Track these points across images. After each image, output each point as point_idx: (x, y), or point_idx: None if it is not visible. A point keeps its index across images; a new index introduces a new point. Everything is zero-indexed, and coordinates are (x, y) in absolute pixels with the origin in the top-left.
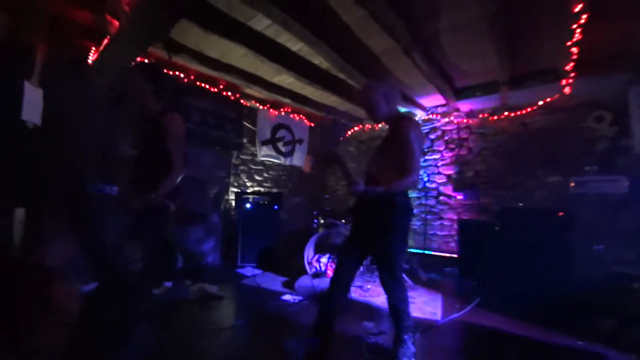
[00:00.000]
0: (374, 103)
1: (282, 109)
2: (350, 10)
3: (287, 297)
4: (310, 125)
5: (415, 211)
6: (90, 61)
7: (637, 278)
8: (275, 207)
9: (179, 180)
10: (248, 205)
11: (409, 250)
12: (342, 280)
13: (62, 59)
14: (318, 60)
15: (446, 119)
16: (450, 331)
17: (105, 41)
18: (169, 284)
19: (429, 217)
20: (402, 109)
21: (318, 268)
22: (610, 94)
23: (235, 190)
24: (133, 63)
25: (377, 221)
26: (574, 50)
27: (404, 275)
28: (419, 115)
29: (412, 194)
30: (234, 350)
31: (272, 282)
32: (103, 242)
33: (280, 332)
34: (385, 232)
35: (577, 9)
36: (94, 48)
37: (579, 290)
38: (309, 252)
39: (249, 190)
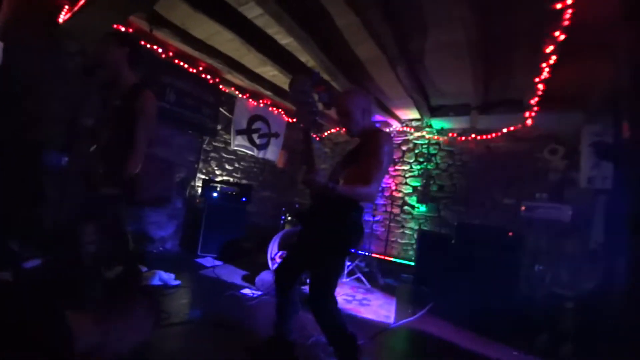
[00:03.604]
0: (350, 112)
1: (261, 100)
2: (345, 15)
3: (246, 291)
4: (288, 121)
5: (379, 218)
6: (60, 21)
7: (569, 298)
8: (243, 199)
9: (139, 165)
10: (215, 194)
11: (371, 255)
12: (285, 278)
13: (31, 15)
14: (305, 57)
15: (418, 133)
16: (401, 335)
17: (81, 1)
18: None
19: (392, 224)
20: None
21: None
22: (566, 130)
23: (203, 177)
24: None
25: (325, 238)
26: (540, 86)
27: (362, 277)
28: (394, 126)
29: (379, 201)
30: (184, 345)
31: (232, 274)
32: (55, 218)
33: (235, 327)
34: (330, 252)
35: (547, 50)
36: (67, 7)
37: (521, 306)
38: (273, 248)
39: (217, 179)
